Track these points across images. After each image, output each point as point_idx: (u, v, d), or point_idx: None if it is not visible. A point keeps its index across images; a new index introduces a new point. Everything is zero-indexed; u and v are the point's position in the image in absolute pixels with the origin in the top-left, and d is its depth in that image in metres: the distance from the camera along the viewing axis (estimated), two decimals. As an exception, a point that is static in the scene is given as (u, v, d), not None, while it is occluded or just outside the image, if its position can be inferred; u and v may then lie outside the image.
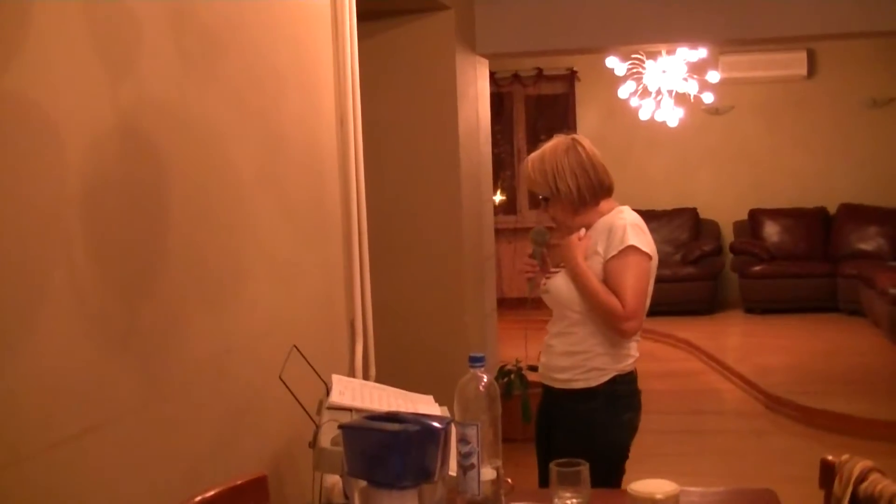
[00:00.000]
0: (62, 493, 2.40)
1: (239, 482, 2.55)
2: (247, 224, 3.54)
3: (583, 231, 3.90)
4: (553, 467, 2.66)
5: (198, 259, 3.15)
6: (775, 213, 13.09)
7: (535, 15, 7.41)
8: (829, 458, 2.75)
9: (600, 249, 3.81)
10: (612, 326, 3.80)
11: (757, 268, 12.60)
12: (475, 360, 2.69)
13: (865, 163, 12.98)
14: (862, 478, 2.55)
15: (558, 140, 3.95)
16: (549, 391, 4.02)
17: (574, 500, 2.59)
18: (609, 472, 3.60)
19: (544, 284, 3.98)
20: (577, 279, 3.81)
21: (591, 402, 3.84)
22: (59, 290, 2.43)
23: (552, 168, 3.87)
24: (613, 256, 3.76)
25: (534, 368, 7.35)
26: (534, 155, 3.97)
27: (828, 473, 2.74)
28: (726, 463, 7.06)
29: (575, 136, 3.98)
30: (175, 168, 3.01)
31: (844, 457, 2.68)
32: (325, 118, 4.34)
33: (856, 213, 12.84)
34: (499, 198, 13.07)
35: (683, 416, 8.36)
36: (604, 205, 3.92)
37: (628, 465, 3.92)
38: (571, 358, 3.87)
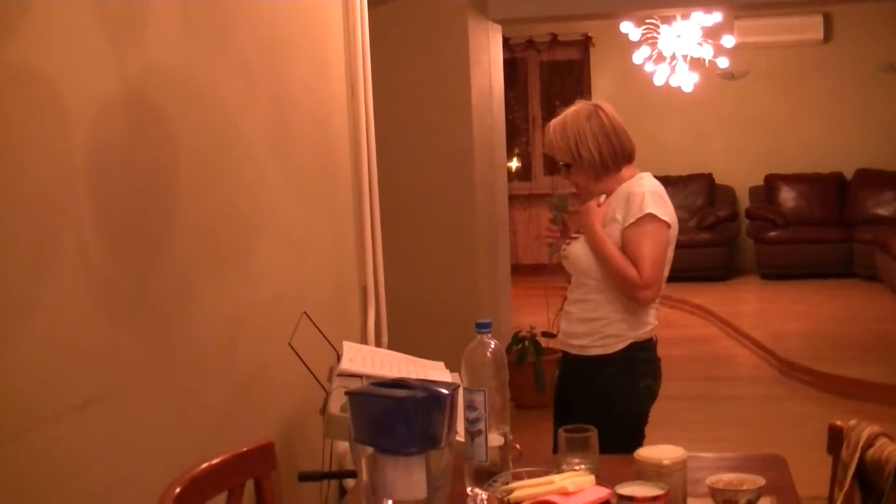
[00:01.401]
0: (68, 464, 2.41)
1: (244, 449, 2.56)
2: (256, 193, 3.54)
3: (602, 197, 3.88)
4: (561, 433, 2.66)
5: (206, 228, 3.16)
6: (791, 179, 13.04)
7: (548, -20, 7.39)
8: (838, 422, 2.75)
9: (619, 216, 3.78)
10: (628, 294, 3.78)
11: (772, 233, 12.57)
12: (482, 327, 2.68)
13: (882, 128, 12.90)
14: (869, 443, 2.54)
15: (580, 106, 3.92)
16: (567, 357, 4.00)
17: (582, 466, 2.59)
18: (629, 438, 3.59)
19: (564, 250, 3.96)
20: (595, 246, 3.80)
21: (607, 369, 3.83)
22: (68, 260, 2.44)
23: (574, 133, 3.85)
24: (632, 224, 3.74)
25: (548, 335, 7.40)
26: (555, 120, 3.94)
27: (836, 438, 2.73)
28: (741, 428, 7.05)
29: (597, 101, 3.95)
30: (183, 138, 3.02)
31: (852, 422, 2.67)
32: (335, 86, 4.33)
33: (872, 179, 12.78)
34: (514, 164, 13.05)
35: (698, 382, 8.35)
36: (625, 171, 3.89)
37: (647, 430, 3.92)
38: (588, 325, 3.85)
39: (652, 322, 3.89)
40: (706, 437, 6.63)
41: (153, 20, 2.87)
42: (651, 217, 3.73)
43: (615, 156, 3.84)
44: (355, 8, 4.48)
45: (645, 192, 3.76)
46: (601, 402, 3.77)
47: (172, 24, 2.98)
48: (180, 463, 2.49)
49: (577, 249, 3.88)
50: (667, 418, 3.94)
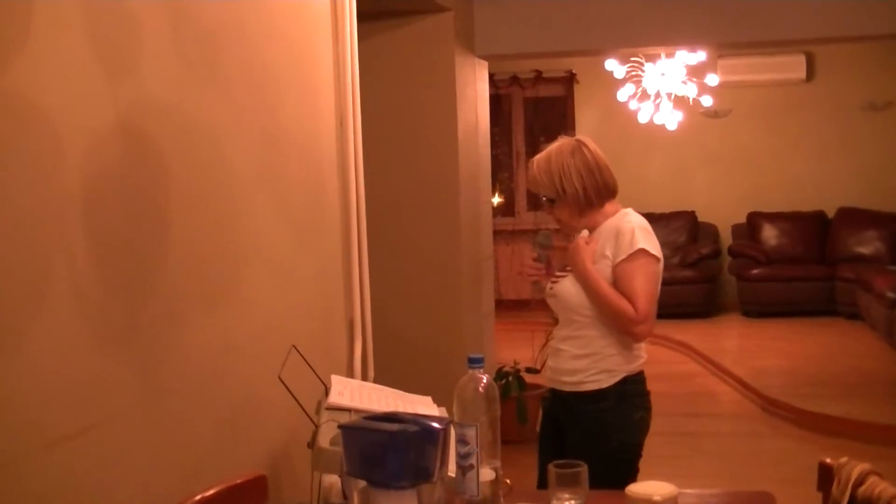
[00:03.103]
0: (58, 493, 2.40)
1: (238, 481, 2.55)
2: (245, 224, 3.54)
3: (585, 232, 3.89)
4: (552, 468, 2.66)
5: (196, 259, 3.16)
6: (773, 217, 13.10)
7: (534, 17, 7.41)
8: (828, 460, 2.75)
9: (608, 253, 3.80)
10: (624, 330, 3.80)
11: (755, 271, 12.62)
12: (474, 361, 2.69)
13: (864, 166, 12.98)
14: (860, 481, 2.55)
15: (563, 141, 3.94)
16: (557, 395, 4.01)
17: (572, 501, 2.59)
18: (624, 472, 3.59)
19: (550, 288, 3.97)
20: (587, 283, 3.81)
21: (602, 403, 3.83)
22: (59, 288, 2.43)
23: (558, 169, 3.87)
24: (623, 260, 3.76)
25: (532, 371, 7.40)
26: (539, 156, 3.96)
27: (826, 476, 2.74)
28: (722, 465, 7.06)
29: (580, 137, 3.98)
30: (174, 168, 3.02)
31: (843, 459, 2.68)
32: (324, 119, 4.34)
33: (854, 217, 12.85)
34: (497, 200, 13.08)
35: (680, 418, 8.35)
36: (608, 207, 3.91)
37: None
38: (582, 361, 3.86)
39: (643, 355, 3.92)
40: (688, 472, 6.63)
41: (146, 52, 2.87)
42: (643, 252, 3.75)
43: (599, 191, 3.86)
44: (345, 41, 4.49)
45: (634, 228, 3.78)
46: (597, 437, 3.78)
47: (165, 56, 2.99)
48: (170, 492, 2.49)
49: (568, 287, 3.88)
50: (648, 454, 3.94)
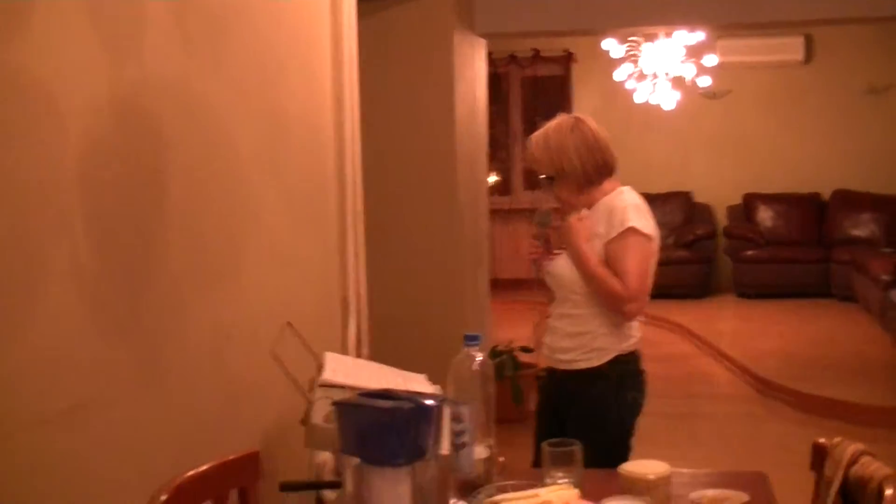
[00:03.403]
0: (57, 467, 2.40)
1: (231, 458, 2.56)
2: (247, 205, 3.54)
3: (584, 212, 3.89)
4: (545, 447, 2.67)
5: (198, 240, 3.16)
6: (769, 199, 13.09)
7: (533, -4, 7.40)
8: (821, 440, 2.76)
9: (601, 230, 3.80)
10: (615, 308, 3.80)
11: (750, 252, 12.61)
12: (470, 339, 2.69)
13: (860, 149, 12.97)
14: (853, 460, 2.56)
15: (562, 119, 3.93)
16: (553, 373, 4.02)
17: (566, 480, 2.60)
18: (617, 452, 3.60)
19: (547, 266, 3.97)
20: (579, 261, 3.81)
21: (594, 382, 3.85)
22: (60, 269, 2.43)
23: (557, 147, 3.86)
24: (614, 238, 3.76)
25: (527, 350, 7.40)
26: (537, 134, 3.95)
27: (819, 456, 2.75)
28: (719, 446, 7.08)
29: (578, 115, 3.97)
30: (176, 149, 3.01)
31: (836, 440, 2.69)
32: (322, 98, 4.33)
33: (849, 200, 12.85)
34: (493, 179, 13.06)
35: (676, 400, 8.36)
36: (607, 184, 3.91)
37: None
38: (574, 339, 3.87)
39: (636, 335, 3.92)
40: (684, 454, 6.64)
41: (149, 30, 2.86)
42: (633, 230, 3.75)
43: (598, 168, 3.86)
44: (343, 20, 4.47)
45: (627, 206, 3.78)
46: (593, 417, 3.79)
47: (169, 36, 2.98)
48: (167, 470, 2.49)
49: (562, 265, 3.89)
50: (644, 434, 3.95)
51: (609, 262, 3.78)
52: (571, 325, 3.89)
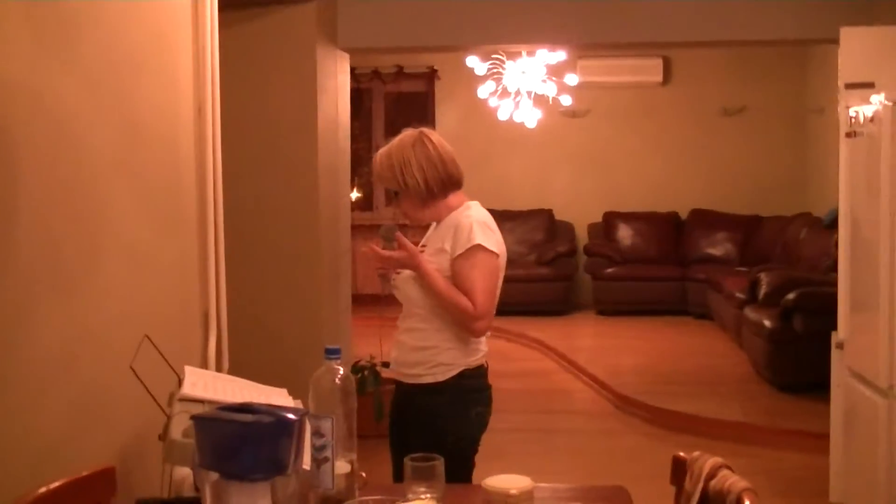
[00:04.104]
0: None
1: (85, 474, 2.48)
2: (101, 210, 3.47)
3: (434, 225, 3.91)
4: (407, 462, 2.65)
5: (50, 245, 3.08)
6: (629, 217, 13.29)
7: (397, 11, 7.40)
8: (681, 454, 2.79)
9: (447, 247, 3.80)
10: (463, 325, 3.80)
11: (610, 270, 12.78)
12: (331, 353, 2.66)
13: (716, 169, 13.26)
14: (712, 474, 2.59)
15: (406, 134, 3.93)
16: (400, 386, 4.01)
17: (428, 495, 2.58)
18: (459, 466, 3.59)
19: (394, 280, 3.95)
20: (426, 283, 3.80)
21: (439, 397, 3.84)
22: None
23: (399, 161, 3.86)
24: (460, 255, 3.76)
25: (387, 365, 7.38)
26: (381, 150, 3.95)
27: (679, 470, 2.78)
28: (576, 461, 7.12)
29: (423, 129, 3.96)
30: (27, 152, 2.93)
31: (695, 454, 2.72)
32: (183, 106, 4.27)
33: (706, 219, 13.12)
34: (355, 194, 13.02)
35: (534, 415, 8.42)
36: (452, 198, 3.91)
37: (478, 459, 3.92)
38: (420, 353, 3.86)
39: (482, 349, 3.92)
40: (542, 469, 6.63)
41: (1, 28, 2.78)
42: (479, 248, 3.76)
43: (441, 183, 3.86)
44: (205, 29, 4.42)
45: (473, 223, 3.79)
46: (433, 430, 3.78)
47: (19, 35, 2.90)
48: (15, 484, 2.41)
49: (407, 280, 3.88)
50: (502, 450, 3.97)
51: (455, 279, 3.78)
52: (417, 340, 3.88)
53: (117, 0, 3.61)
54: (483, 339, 3.92)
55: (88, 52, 3.38)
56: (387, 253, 3.80)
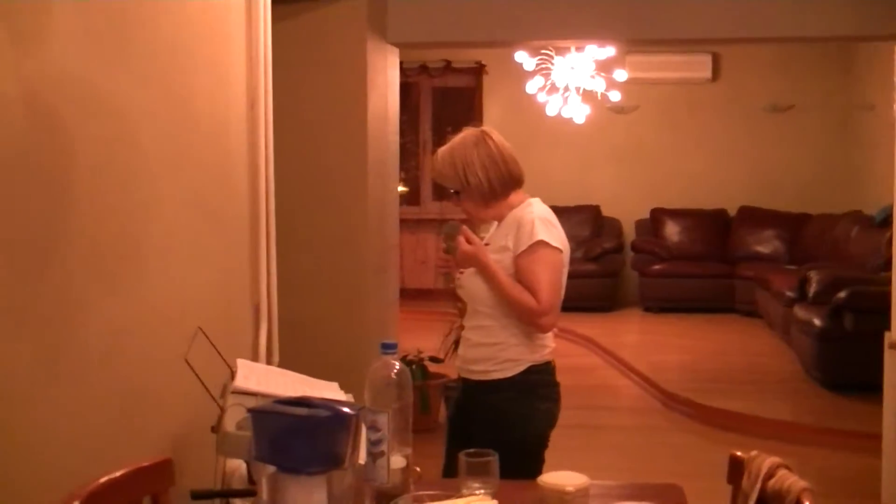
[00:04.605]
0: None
1: (145, 464, 2.50)
2: (152, 202, 3.47)
3: (494, 224, 3.90)
4: (462, 457, 2.65)
5: (101, 239, 3.09)
6: (676, 214, 13.24)
7: (446, 6, 7.38)
8: (738, 453, 2.76)
9: (510, 244, 3.80)
10: (529, 322, 3.80)
11: (656, 267, 12.75)
12: (387, 347, 2.66)
13: (765, 167, 13.18)
14: (770, 474, 2.57)
15: (467, 132, 3.93)
16: (466, 384, 4.01)
17: (482, 491, 2.57)
18: (529, 463, 3.58)
19: (458, 279, 3.95)
20: (490, 280, 3.79)
21: (506, 393, 3.84)
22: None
23: (462, 161, 3.85)
24: (523, 251, 3.76)
25: (436, 360, 7.39)
26: (443, 148, 3.94)
27: (736, 469, 2.75)
28: (622, 458, 7.10)
29: (484, 128, 3.96)
30: (81, 145, 2.94)
31: (753, 453, 2.70)
32: (235, 99, 4.27)
33: (754, 216, 13.05)
34: (402, 188, 13.04)
35: (580, 411, 8.38)
36: (514, 197, 3.91)
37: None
38: (486, 350, 3.86)
39: (549, 345, 3.92)
40: (587, 465, 6.55)
41: (55, 24, 2.79)
42: (542, 244, 3.75)
43: (503, 182, 3.86)
44: (258, 23, 4.42)
45: (535, 219, 3.78)
46: (501, 427, 3.77)
47: (75, 28, 2.91)
48: (70, 476, 2.42)
49: (471, 278, 3.87)
50: (550, 445, 3.95)
51: (519, 275, 3.77)
52: (483, 336, 3.88)
53: (171, -6, 3.63)
54: (549, 335, 3.92)
55: (142, 46, 3.39)
56: (460, 244, 3.79)
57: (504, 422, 3.80)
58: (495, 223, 3.93)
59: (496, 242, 3.89)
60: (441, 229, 4.00)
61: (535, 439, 3.88)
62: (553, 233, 3.81)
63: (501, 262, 3.80)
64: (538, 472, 3.68)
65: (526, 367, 3.84)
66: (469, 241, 3.80)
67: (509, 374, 3.83)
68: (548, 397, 3.92)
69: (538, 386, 3.88)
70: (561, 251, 3.82)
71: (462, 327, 4.03)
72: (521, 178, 3.93)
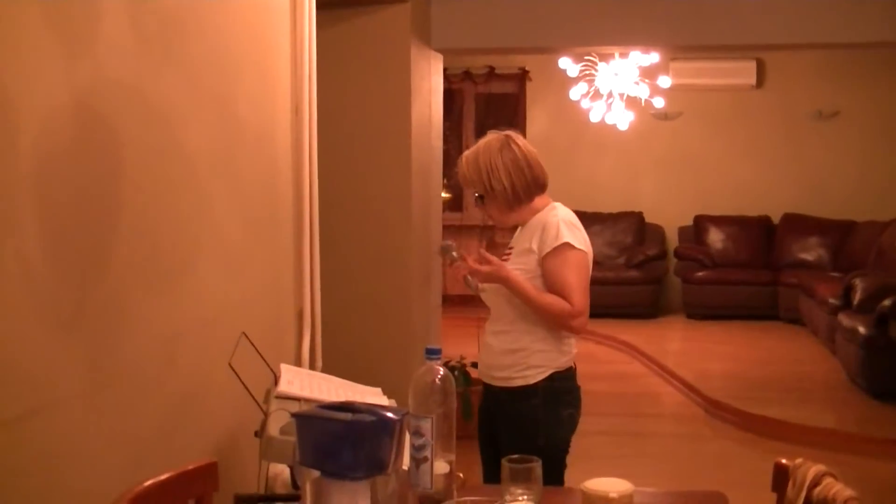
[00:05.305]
0: (5, 474, 2.35)
1: (190, 468, 2.52)
2: (199, 208, 3.50)
3: (519, 229, 3.91)
4: (505, 463, 2.64)
5: (148, 243, 3.12)
6: (719, 221, 13.16)
7: (490, 12, 7.40)
8: (783, 461, 2.75)
9: (534, 246, 3.80)
10: (562, 325, 3.79)
11: (700, 274, 12.67)
12: (431, 353, 2.66)
13: (809, 174, 13.08)
14: (816, 482, 2.55)
15: (492, 137, 3.92)
16: (489, 389, 4.00)
17: (525, 497, 2.57)
18: (551, 468, 3.57)
19: (481, 285, 3.92)
20: (516, 292, 3.79)
21: (530, 400, 3.83)
22: (8, 269, 2.38)
23: (486, 166, 3.85)
24: (549, 253, 3.76)
25: (476, 366, 7.39)
26: (468, 153, 3.94)
27: (781, 477, 2.74)
28: (665, 466, 7.07)
29: (509, 132, 3.94)
30: (129, 150, 2.97)
31: (798, 460, 2.68)
32: (280, 105, 4.30)
33: (798, 224, 12.95)
34: (445, 194, 13.05)
35: (623, 418, 8.37)
36: (538, 201, 3.91)
37: (569, 461, 3.91)
38: (509, 356, 3.86)
39: (571, 351, 3.92)
40: (631, 472, 6.54)
41: (104, 30, 2.82)
42: (568, 246, 3.76)
43: (527, 187, 3.86)
44: (303, 29, 4.45)
45: (559, 222, 3.79)
46: (525, 433, 3.78)
47: (124, 35, 2.94)
48: (116, 477, 2.44)
49: (492, 284, 3.87)
50: (591, 453, 3.95)
51: (546, 278, 3.78)
52: (506, 343, 3.88)
53: (217, 1, 3.65)
54: (573, 340, 3.91)
55: (190, 52, 3.42)
56: (475, 266, 3.78)
57: (528, 427, 3.80)
58: (519, 227, 3.94)
59: (520, 245, 3.89)
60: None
61: (558, 444, 3.87)
62: (577, 235, 3.81)
63: (526, 265, 3.81)
64: (561, 476, 3.70)
65: (549, 374, 3.84)
66: (486, 261, 3.79)
67: (532, 380, 3.83)
68: (570, 403, 3.91)
69: (561, 392, 3.88)
70: (586, 253, 3.83)
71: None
72: (545, 182, 3.93)
